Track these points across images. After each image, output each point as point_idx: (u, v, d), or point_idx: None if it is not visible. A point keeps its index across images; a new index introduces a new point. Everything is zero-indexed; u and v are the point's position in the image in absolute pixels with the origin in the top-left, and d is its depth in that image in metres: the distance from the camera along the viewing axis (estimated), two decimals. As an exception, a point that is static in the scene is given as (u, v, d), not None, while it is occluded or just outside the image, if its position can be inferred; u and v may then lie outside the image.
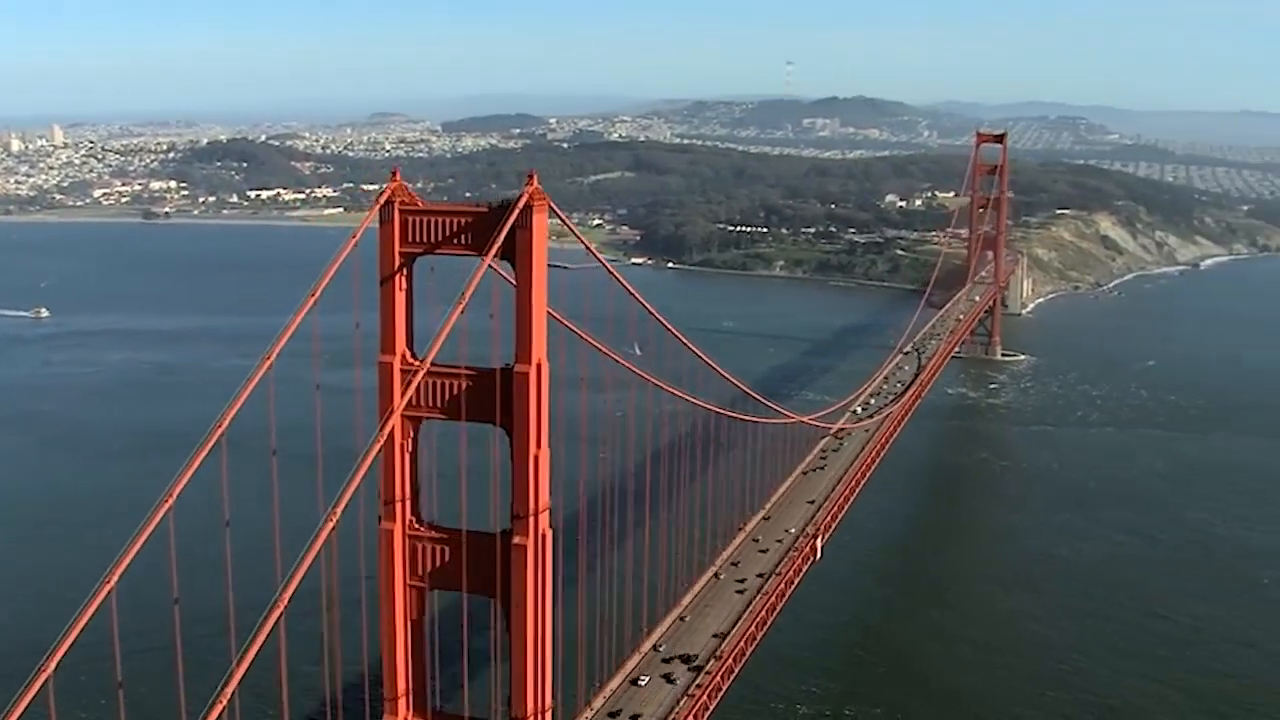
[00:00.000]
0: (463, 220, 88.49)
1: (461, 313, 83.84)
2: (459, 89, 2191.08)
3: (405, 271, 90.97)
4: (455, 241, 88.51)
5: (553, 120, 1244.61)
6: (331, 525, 72.39)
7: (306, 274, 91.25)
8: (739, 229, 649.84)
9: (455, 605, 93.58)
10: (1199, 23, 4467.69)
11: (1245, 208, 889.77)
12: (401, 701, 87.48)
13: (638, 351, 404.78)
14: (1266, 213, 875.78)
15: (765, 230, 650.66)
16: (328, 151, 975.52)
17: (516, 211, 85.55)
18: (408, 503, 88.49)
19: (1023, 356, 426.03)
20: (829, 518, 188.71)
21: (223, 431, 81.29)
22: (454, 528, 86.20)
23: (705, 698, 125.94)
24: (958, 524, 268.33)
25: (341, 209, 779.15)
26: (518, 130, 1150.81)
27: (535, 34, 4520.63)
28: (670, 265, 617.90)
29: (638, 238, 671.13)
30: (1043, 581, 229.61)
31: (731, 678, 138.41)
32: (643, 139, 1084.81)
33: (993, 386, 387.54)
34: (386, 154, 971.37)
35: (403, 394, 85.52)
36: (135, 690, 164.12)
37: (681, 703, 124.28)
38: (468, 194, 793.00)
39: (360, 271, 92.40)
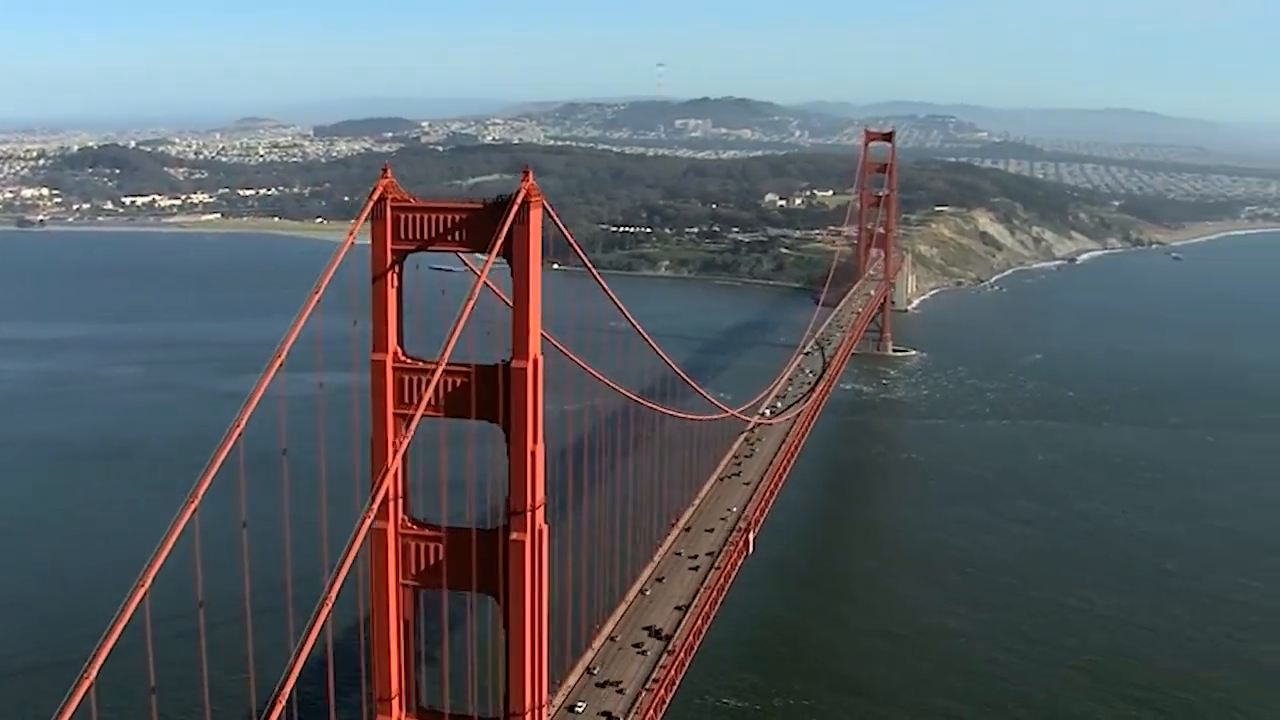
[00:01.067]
0: (456, 217, 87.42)
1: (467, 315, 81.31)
2: (328, 93, 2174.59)
3: (397, 269, 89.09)
4: (449, 238, 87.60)
5: (425, 123, 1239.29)
6: (367, 525, 70.73)
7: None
8: (622, 229, 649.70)
9: (434, 603, 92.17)
10: (1062, 22, 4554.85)
11: (1116, 203, 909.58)
12: (395, 701, 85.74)
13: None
14: (1137, 208, 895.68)
15: (649, 230, 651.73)
16: (201, 157, 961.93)
17: (516, 207, 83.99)
18: (400, 501, 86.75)
19: (913, 352, 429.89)
20: (758, 512, 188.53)
21: (240, 432, 79.25)
22: (449, 525, 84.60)
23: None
24: (860, 518, 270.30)
25: (219, 214, 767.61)
26: (390, 134, 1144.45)
27: (405, 38, 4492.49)
28: (555, 266, 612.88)
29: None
30: (945, 573, 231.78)
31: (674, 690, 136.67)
32: (516, 140, 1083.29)
33: (886, 382, 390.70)
34: (260, 158, 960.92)
35: (425, 391, 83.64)
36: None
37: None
38: (345, 198, 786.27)
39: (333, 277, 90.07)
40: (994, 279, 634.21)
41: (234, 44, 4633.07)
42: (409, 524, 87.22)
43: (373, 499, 79.19)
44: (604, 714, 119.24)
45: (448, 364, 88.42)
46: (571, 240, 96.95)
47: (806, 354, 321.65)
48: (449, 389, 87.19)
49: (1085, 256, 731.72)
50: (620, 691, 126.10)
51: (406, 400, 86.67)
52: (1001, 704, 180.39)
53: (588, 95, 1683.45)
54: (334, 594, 68.13)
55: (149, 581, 70.65)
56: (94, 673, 66.02)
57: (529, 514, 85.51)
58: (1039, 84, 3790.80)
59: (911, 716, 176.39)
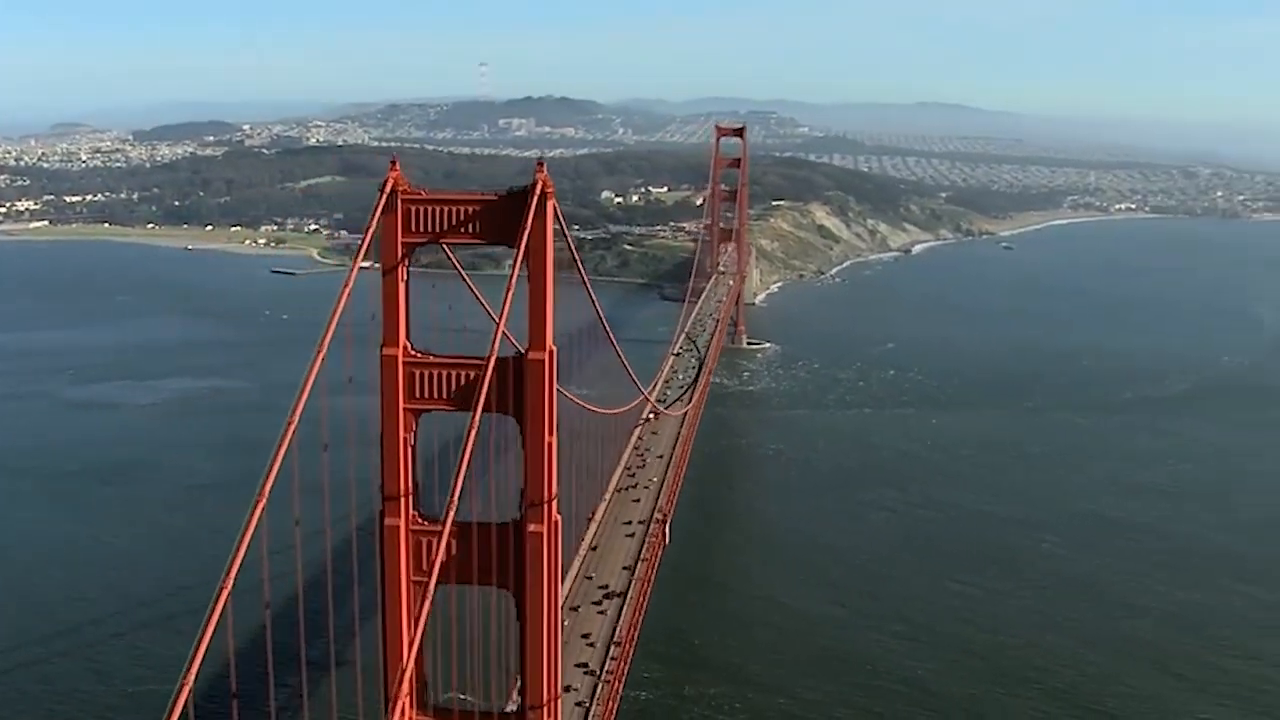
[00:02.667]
0: (470, 209, 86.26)
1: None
2: (142, 97, 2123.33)
3: (406, 262, 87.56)
4: (462, 230, 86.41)
5: (247, 126, 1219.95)
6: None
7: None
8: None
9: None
10: (873, 18, 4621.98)
11: (944, 195, 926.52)
12: (406, 700, 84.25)
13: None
14: (964, 199, 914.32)
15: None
16: (21, 164, 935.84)
17: (536, 197, 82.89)
18: (410, 497, 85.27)
19: (767, 344, 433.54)
20: (668, 504, 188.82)
21: (294, 427, 77.45)
22: (461, 520, 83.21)
23: None
24: (732, 512, 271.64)
25: (46, 221, 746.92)
26: (212, 137, 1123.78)
27: (219, 42, 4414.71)
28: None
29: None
30: (819, 564, 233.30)
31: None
32: (341, 142, 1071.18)
33: (745, 375, 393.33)
34: (83, 164, 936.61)
35: (488, 388, 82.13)
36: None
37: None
38: (176, 203, 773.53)
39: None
40: (834, 271, 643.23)
41: (43, 48, 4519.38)
42: (419, 519, 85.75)
43: (384, 495, 77.66)
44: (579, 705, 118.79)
45: (460, 357, 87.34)
46: (570, 243, 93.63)
47: (676, 354, 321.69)
48: (461, 382, 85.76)
49: (919, 248, 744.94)
50: (590, 673, 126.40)
51: (417, 395, 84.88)
52: (886, 687, 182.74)
53: (409, 96, 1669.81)
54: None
55: (230, 584, 69.02)
56: (191, 679, 64.33)
57: (546, 506, 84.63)
58: (852, 80, 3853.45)
59: (800, 703, 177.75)
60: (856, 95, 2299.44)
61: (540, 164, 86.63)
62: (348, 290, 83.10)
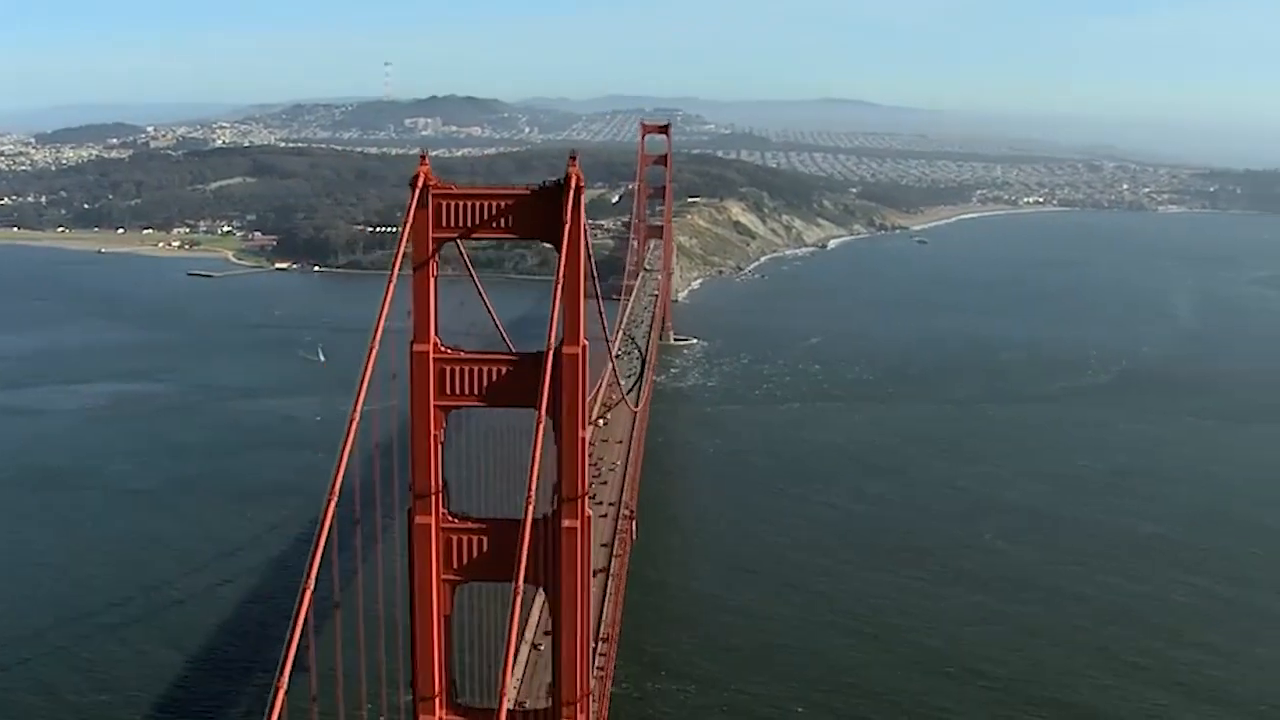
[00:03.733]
0: (502, 203, 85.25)
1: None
2: (39, 100, 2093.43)
3: (436, 258, 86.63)
4: (494, 225, 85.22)
5: (150, 128, 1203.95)
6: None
7: None
8: (380, 229, 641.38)
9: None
10: (774, 16, 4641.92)
11: (854, 190, 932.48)
12: (436, 700, 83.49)
13: (322, 359, 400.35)
14: (875, 194, 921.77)
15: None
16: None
17: (572, 191, 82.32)
18: (440, 495, 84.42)
19: (694, 340, 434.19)
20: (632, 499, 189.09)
21: (356, 426, 76.36)
22: (490, 517, 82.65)
23: None
24: (669, 511, 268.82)
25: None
26: (116, 140, 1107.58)
27: (118, 44, 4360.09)
28: (317, 269, 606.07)
29: (275, 243, 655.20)
30: (757, 561, 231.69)
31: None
32: (247, 143, 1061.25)
33: (674, 371, 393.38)
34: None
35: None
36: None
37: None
38: (86, 206, 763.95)
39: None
40: (751, 266, 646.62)
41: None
42: (449, 517, 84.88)
43: (414, 492, 76.85)
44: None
45: (492, 353, 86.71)
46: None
47: (617, 356, 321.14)
48: (492, 378, 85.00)
49: (835, 242, 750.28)
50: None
51: (447, 391, 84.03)
52: (837, 681, 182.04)
53: (313, 97, 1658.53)
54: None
55: (312, 583, 68.21)
56: (285, 682, 63.45)
57: (580, 500, 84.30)
58: (753, 77, 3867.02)
59: (756, 699, 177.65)
60: (759, 92, 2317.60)
61: (573, 158, 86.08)
62: (389, 294, 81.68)
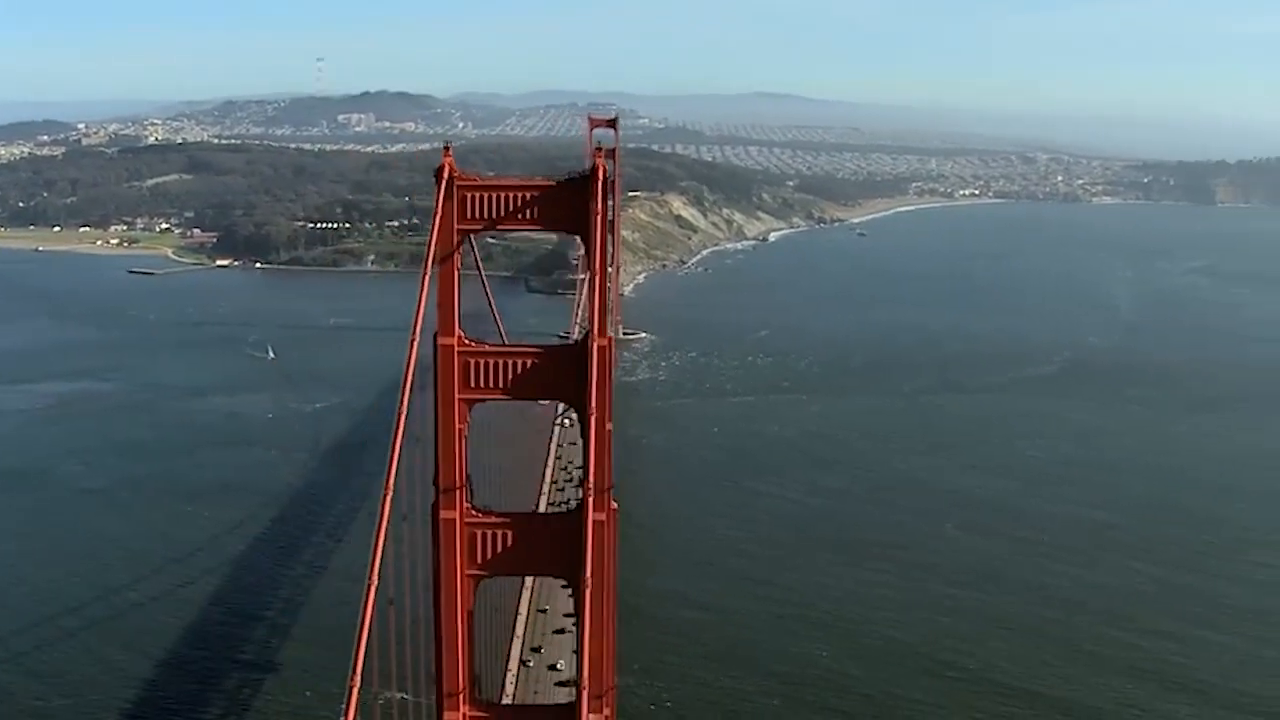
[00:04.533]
0: (527, 195, 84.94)
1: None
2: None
3: (461, 250, 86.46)
4: (519, 217, 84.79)
5: (82, 125, 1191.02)
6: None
7: None
8: (321, 225, 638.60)
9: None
10: (705, 10, 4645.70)
11: (792, 183, 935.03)
12: (461, 696, 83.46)
13: (272, 356, 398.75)
14: (811, 187, 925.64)
15: (348, 225, 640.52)
16: None
17: (601, 183, 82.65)
18: (464, 489, 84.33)
19: (643, 334, 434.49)
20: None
21: (403, 425, 76.30)
22: (514, 511, 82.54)
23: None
24: (625, 505, 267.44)
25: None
26: (47, 137, 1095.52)
27: (44, 41, 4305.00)
28: (259, 266, 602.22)
29: (214, 240, 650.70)
30: (716, 556, 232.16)
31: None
32: (180, 140, 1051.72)
33: (625, 365, 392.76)
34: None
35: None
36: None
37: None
38: (20, 204, 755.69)
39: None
40: (694, 260, 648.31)
41: None
42: (473, 512, 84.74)
43: (439, 487, 76.86)
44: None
45: (516, 345, 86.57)
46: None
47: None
48: (517, 371, 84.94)
49: (775, 236, 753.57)
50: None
51: (472, 385, 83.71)
52: (802, 675, 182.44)
53: (245, 93, 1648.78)
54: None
55: (375, 579, 68.15)
56: (358, 681, 63.48)
57: (608, 493, 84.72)
58: (683, 71, 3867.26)
59: (725, 693, 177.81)
60: (690, 87, 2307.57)
61: (598, 151, 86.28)
62: (424, 291, 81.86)
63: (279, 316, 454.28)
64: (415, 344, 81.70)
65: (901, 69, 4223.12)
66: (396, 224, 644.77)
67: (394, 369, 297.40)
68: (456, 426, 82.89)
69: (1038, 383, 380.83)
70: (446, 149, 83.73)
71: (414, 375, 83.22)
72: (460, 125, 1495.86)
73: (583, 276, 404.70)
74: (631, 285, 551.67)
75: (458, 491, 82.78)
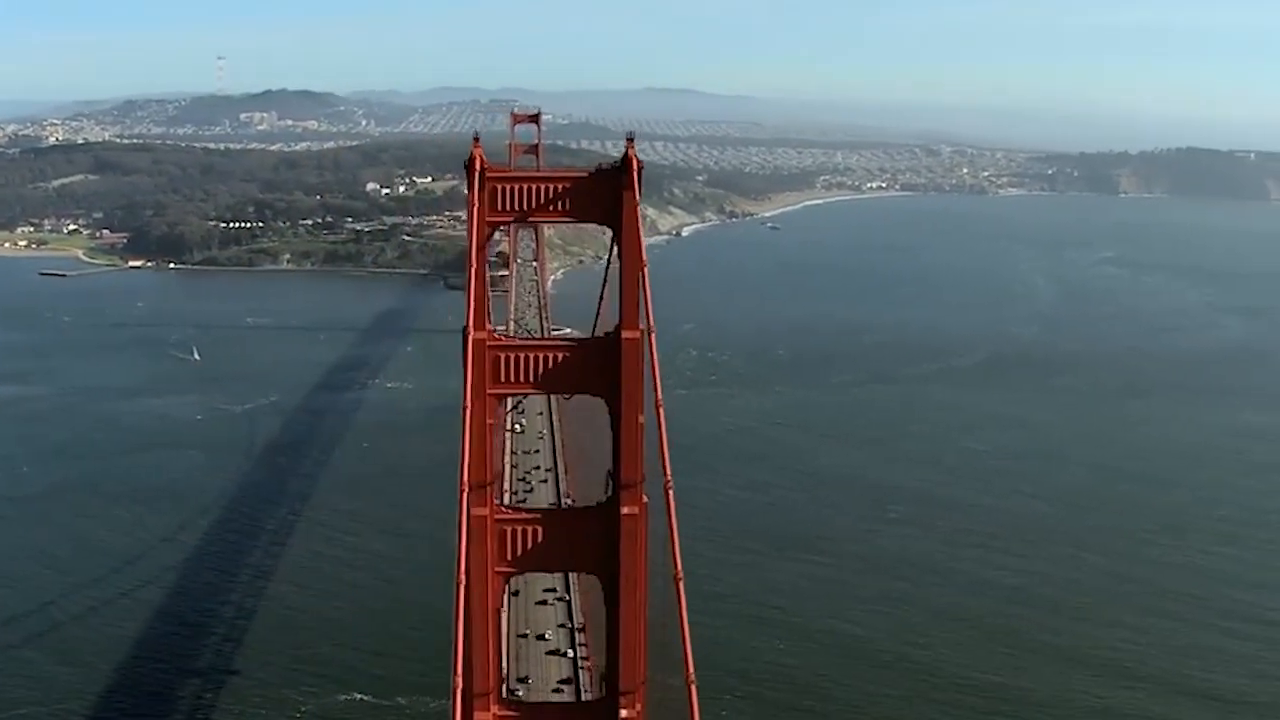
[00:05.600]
0: (559, 186, 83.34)
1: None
2: None
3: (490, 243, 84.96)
4: (550, 209, 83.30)
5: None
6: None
7: None
8: (234, 225, 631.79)
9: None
10: (596, 7, 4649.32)
11: (700, 178, 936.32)
12: (491, 695, 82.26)
13: (196, 357, 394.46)
14: (721, 181, 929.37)
15: (261, 224, 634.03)
16: None
17: (636, 173, 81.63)
18: (494, 486, 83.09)
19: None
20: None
21: (469, 422, 74.79)
22: (543, 507, 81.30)
23: None
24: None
25: None
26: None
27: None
28: (173, 266, 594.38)
29: (125, 240, 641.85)
30: (653, 555, 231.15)
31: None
32: (81, 140, 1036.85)
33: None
34: None
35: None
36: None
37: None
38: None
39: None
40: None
41: None
42: (502, 508, 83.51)
43: (467, 483, 75.57)
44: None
45: (547, 339, 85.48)
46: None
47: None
48: (547, 365, 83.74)
49: (688, 230, 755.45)
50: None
51: (501, 379, 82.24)
52: (754, 673, 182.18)
53: (145, 92, 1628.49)
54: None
55: (463, 578, 66.81)
56: (460, 682, 62.29)
57: (639, 486, 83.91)
58: (579, 67, 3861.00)
59: (666, 691, 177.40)
60: (585, 83, 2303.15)
61: (630, 140, 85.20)
62: (473, 285, 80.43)
63: (197, 317, 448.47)
64: (470, 337, 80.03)
65: (797, 63, 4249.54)
66: (310, 222, 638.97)
67: (318, 368, 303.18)
68: (486, 421, 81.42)
69: (963, 373, 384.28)
70: (476, 139, 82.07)
71: (470, 370, 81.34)
72: (363, 123, 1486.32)
73: (506, 273, 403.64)
74: (551, 281, 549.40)
75: (487, 487, 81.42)
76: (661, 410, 79.73)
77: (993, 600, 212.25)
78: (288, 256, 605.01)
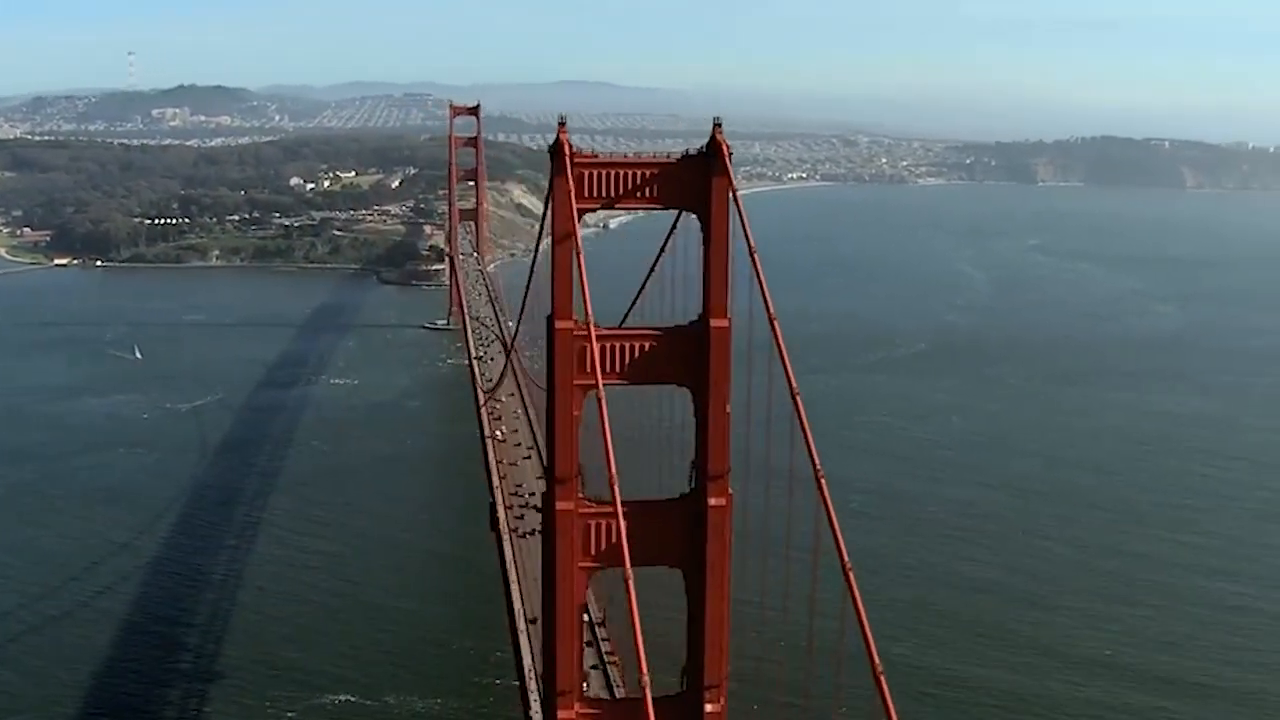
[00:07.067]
0: (646, 173, 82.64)
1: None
2: None
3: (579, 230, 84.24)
4: (638, 195, 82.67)
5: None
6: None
7: None
8: (160, 221, 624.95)
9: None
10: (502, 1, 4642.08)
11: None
12: (574, 693, 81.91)
13: (138, 355, 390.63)
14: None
15: (188, 221, 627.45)
16: None
17: (726, 158, 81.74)
18: (580, 479, 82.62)
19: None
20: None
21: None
22: (628, 500, 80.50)
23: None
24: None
25: None
26: None
27: None
28: (99, 264, 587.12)
29: (48, 238, 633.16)
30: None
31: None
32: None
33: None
34: None
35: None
36: None
37: None
38: None
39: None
40: (543, 247, 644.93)
41: None
42: (585, 502, 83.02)
43: (553, 477, 75.16)
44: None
45: (635, 328, 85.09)
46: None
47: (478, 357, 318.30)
48: (634, 354, 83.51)
49: (615, 223, 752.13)
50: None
51: (589, 370, 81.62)
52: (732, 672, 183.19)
53: (53, 88, 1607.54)
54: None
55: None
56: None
57: (725, 478, 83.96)
58: (488, 61, 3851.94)
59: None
60: (495, 76, 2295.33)
61: (717, 124, 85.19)
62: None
63: (131, 315, 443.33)
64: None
65: (711, 55, 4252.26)
66: (237, 218, 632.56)
67: (261, 365, 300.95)
68: (572, 413, 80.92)
69: (904, 363, 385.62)
70: (562, 124, 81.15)
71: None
72: (277, 118, 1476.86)
73: (440, 267, 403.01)
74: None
75: (573, 481, 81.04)
76: (799, 399, 78.71)
77: (959, 591, 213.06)
78: (217, 253, 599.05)
